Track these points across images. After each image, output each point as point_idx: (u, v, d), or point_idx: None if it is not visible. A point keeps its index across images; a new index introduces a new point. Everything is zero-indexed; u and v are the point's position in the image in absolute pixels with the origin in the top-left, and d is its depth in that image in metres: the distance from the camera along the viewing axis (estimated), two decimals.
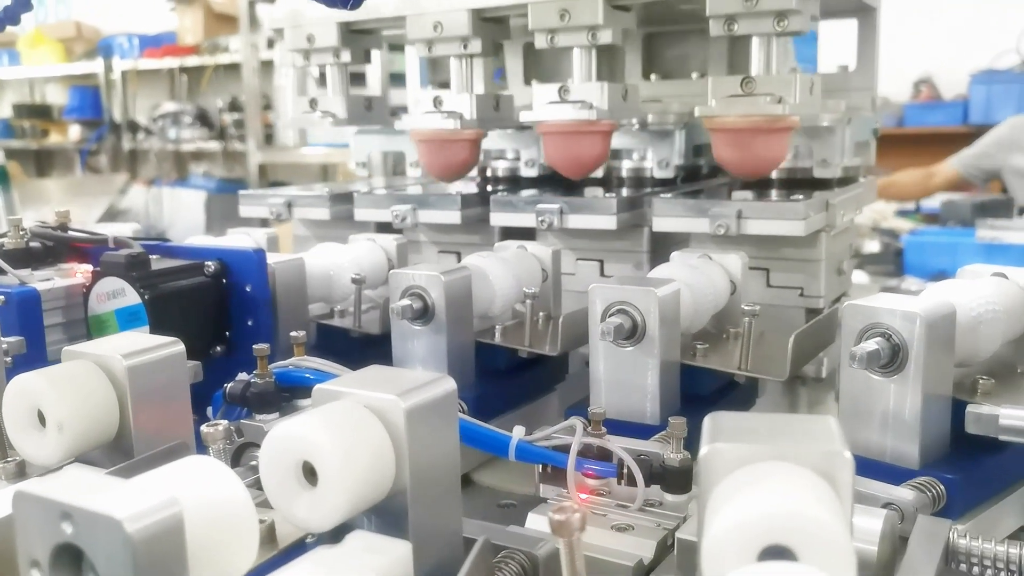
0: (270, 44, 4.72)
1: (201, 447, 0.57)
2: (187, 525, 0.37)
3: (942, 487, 0.63)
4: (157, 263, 0.83)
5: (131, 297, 0.78)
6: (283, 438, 0.45)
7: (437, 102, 1.11)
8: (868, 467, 0.63)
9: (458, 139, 1.11)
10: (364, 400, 0.47)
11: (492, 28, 1.10)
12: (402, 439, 0.46)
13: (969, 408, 0.62)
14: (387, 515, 0.47)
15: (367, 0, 0.84)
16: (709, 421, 0.43)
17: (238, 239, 1.13)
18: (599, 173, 1.20)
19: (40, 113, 6.29)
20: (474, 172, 1.33)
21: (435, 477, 0.48)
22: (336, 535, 0.47)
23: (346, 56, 1.19)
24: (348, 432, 0.45)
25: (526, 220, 1.05)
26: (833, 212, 0.98)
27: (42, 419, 0.55)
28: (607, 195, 1.05)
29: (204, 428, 0.53)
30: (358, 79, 3.53)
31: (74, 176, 5.98)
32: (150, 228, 5.10)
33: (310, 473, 0.44)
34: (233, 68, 5.02)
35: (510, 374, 0.91)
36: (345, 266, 1.00)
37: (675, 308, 0.78)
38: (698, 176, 1.25)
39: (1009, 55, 4.36)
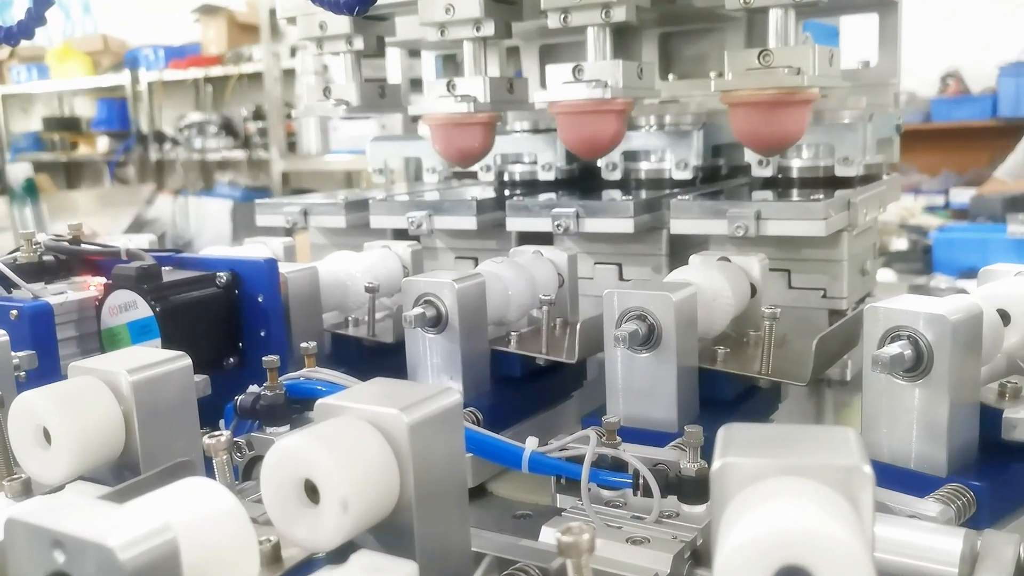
0: (292, 53, 4.75)
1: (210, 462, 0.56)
2: (183, 549, 0.36)
3: (971, 494, 0.61)
4: (168, 275, 0.82)
5: (143, 310, 0.78)
6: (282, 455, 0.44)
7: (451, 86, 1.10)
8: (893, 475, 0.62)
9: (472, 122, 1.09)
10: (366, 415, 0.46)
11: (505, 9, 1.08)
12: (406, 454, 0.45)
13: (1007, 414, 0.60)
14: (392, 533, 0.46)
15: None
16: (723, 433, 0.41)
17: (254, 248, 1.13)
18: (617, 175, 1.20)
19: (69, 126, 6.38)
20: (492, 176, 1.32)
21: (441, 492, 0.47)
22: (342, 555, 0.45)
23: (358, 43, 1.19)
24: (349, 448, 0.44)
25: (542, 224, 1.04)
26: (855, 211, 0.96)
27: (47, 436, 0.54)
28: (624, 198, 1.03)
29: (206, 439, 0.52)
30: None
31: (102, 187, 6.05)
32: (177, 238, 5.14)
33: (312, 491, 0.43)
34: (256, 77, 5.05)
35: (526, 382, 0.89)
36: (359, 274, 1.00)
37: (692, 312, 0.76)
38: (717, 177, 1.24)
39: None
